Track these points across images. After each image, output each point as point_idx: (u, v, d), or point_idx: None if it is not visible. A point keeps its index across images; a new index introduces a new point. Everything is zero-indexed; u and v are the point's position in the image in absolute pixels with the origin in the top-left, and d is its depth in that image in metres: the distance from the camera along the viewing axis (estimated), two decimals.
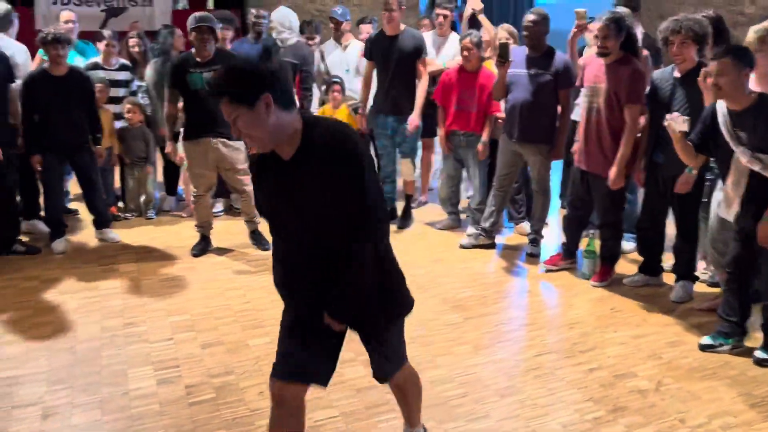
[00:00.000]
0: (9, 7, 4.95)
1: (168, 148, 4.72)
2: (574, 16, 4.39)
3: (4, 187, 4.46)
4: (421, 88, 4.97)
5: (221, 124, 4.37)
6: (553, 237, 4.98)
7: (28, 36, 5.45)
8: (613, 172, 3.82)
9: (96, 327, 3.51)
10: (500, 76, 4.37)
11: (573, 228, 4.32)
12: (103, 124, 4.96)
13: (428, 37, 5.57)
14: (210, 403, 2.81)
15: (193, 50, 4.39)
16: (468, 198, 5.26)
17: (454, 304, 3.82)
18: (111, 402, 2.81)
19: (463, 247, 4.77)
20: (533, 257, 4.54)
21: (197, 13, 4.45)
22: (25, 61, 4.84)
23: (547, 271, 4.32)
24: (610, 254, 4.12)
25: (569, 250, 4.36)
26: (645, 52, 4.20)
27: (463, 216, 5.31)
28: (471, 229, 4.98)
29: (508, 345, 3.36)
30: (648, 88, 3.79)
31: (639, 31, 4.43)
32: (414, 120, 4.98)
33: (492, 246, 4.76)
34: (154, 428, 2.62)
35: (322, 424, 2.66)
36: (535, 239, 4.64)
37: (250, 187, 4.66)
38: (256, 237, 4.75)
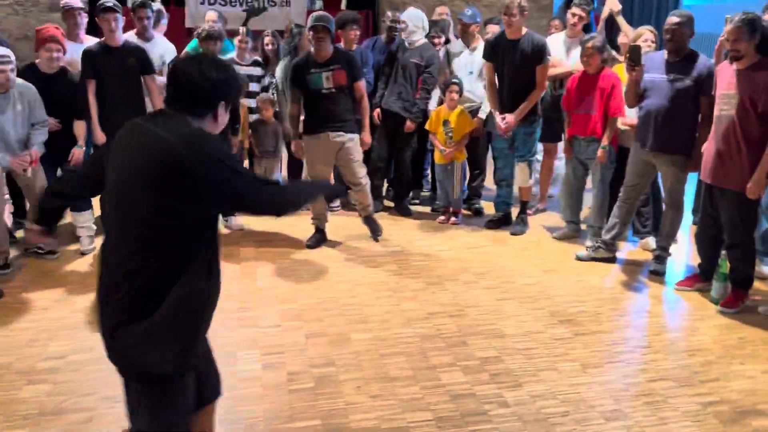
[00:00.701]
0: (161, 7, 5.39)
1: (294, 146, 4.90)
2: (723, 21, 4.04)
3: None
4: (534, 93, 4.81)
5: (339, 120, 4.54)
6: (680, 255, 4.64)
7: (178, 34, 5.89)
8: (754, 180, 3.49)
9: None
10: (631, 82, 4.11)
11: (706, 247, 4.00)
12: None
13: (558, 38, 5.38)
14: (309, 392, 2.88)
15: (312, 50, 4.53)
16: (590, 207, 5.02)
17: (564, 318, 3.66)
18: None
19: (579, 259, 4.56)
20: (657, 275, 4.24)
21: (315, 13, 4.58)
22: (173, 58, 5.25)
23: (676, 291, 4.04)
24: (741, 278, 3.76)
25: (705, 272, 4.03)
26: None
27: (583, 226, 5.08)
28: (590, 241, 4.76)
29: (619, 366, 3.16)
30: None
31: None
32: (511, 123, 4.83)
33: (612, 260, 4.52)
34: (255, 411, 2.74)
35: (414, 427, 2.65)
36: (661, 256, 4.33)
37: (365, 180, 4.76)
38: (369, 222, 4.87)
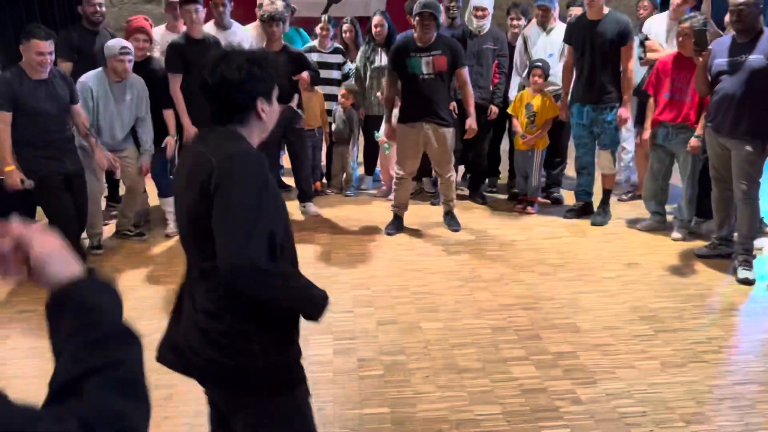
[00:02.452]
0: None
1: (386, 130, 4.86)
2: None
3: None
4: (626, 78, 4.60)
5: (435, 110, 4.51)
6: None
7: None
8: None
9: None
10: (699, 68, 3.89)
11: None
12: (315, 105, 5.34)
13: (661, 19, 5.09)
14: (378, 379, 2.91)
15: (414, 34, 4.50)
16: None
17: (645, 315, 3.50)
18: None
19: (700, 256, 4.25)
20: (747, 284, 3.86)
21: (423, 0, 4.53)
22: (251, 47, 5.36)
23: None
24: None
25: None
26: None
27: (669, 217, 4.84)
28: (676, 233, 4.53)
29: (703, 367, 3.00)
30: None
31: None
32: (623, 113, 4.64)
33: (728, 256, 4.17)
34: (324, 395, 2.79)
35: (483, 419, 2.62)
36: (747, 260, 3.96)
37: (453, 174, 4.74)
38: (449, 218, 4.87)
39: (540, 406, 2.70)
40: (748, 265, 3.96)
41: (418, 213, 5.14)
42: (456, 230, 4.79)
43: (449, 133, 4.59)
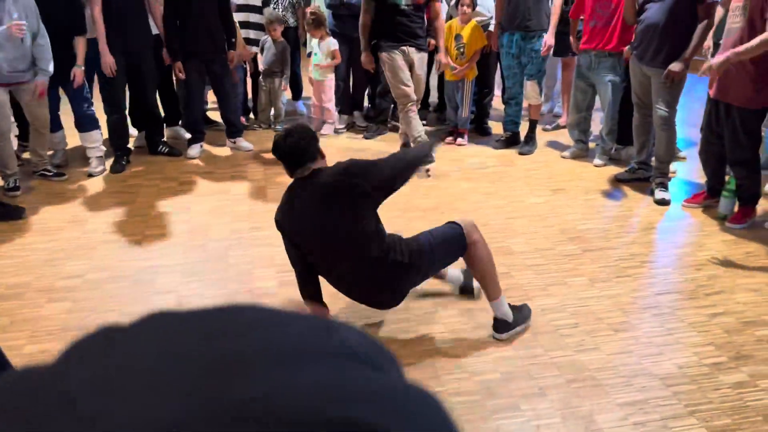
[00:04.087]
0: None
1: (363, 58, 4.75)
2: None
3: (147, 95, 4.78)
4: (556, 4, 4.68)
5: (416, 36, 4.56)
6: (687, 172, 4.64)
7: None
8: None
9: (226, 228, 3.76)
10: None
11: (712, 163, 3.98)
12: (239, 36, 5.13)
13: None
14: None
15: None
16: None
17: (572, 236, 3.70)
18: (236, 297, 3.03)
19: (619, 180, 4.47)
20: (664, 204, 4.13)
21: None
22: None
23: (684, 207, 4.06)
24: (747, 194, 3.77)
25: (712, 189, 4.03)
26: None
27: (591, 145, 5.05)
28: (598, 160, 4.75)
29: (627, 281, 3.22)
30: None
31: None
32: (547, 40, 4.72)
33: (646, 179, 4.43)
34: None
35: (427, 338, 2.72)
36: (663, 183, 4.22)
37: (415, 108, 4.66)
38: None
39: (480, 324, 2.83)
40: (664, 187, 4.22)
41: (363, 145, 5.12)
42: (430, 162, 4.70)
43: (425, 59, 4.65)
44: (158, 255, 3.44)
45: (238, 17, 5.24)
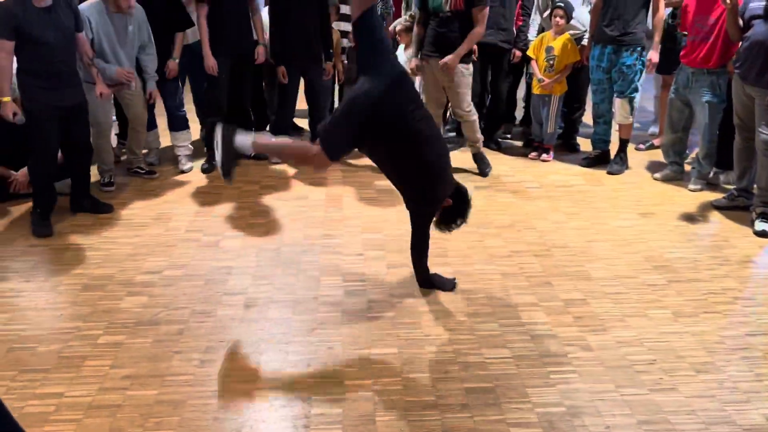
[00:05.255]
0: None
1: (411, 63, 4.75)
2: None
3: (243, 99, 4.92)
4: (658, 17, 4.45)
5: (452, 47, 4.41)
6: None
7: None
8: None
9: (299, 234, 3.80)
10: (730, 11, 3.73)
11: None
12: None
13: None
14: (388, 320, 2.91)
15: None
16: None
17: (658, 264, 3.47)
18: (303, 304, 3.05)
19: (717, 207, 4.19)
20: (763, 236, 3.80)
21: None
22: None
23: None
24: None
25: None
26: None
27: (687, 168, 4.74)
28: (694, 184, 4.45)
29: (715, 318, 2.98)
30: None
31: None
32: (652, 57, 4.50)
33: (746, 208, 4.11)
34: (333, 334, 2.80)
35: (490, 362, 2.62)
36: (765, 213, 3.88)
37: (474, 113, 4.65)
38: (478, 159, 4.82)
39: (549, 352, 2.69)
40: (765, 217, 3.88)
41: None
42: (488, 171, 4.76)
43: (467, 70, 4.50)
44: (233, 256, 3.52)
45: (339, 26, 5.32)
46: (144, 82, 4.42)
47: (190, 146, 4.88)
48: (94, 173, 4.35)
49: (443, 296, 3.11)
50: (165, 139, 5.08)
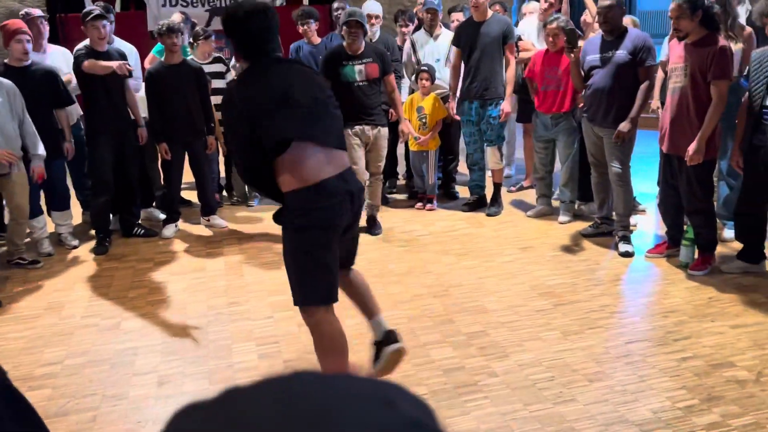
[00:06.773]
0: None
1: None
2: None
3: (129, 176, 4.88)
4: (509, 74, 4.98)
5: (372, 112, 4.65)
6: (648, 224, 4.84)
7: (142, 35, 5.86)
8: (692, 147, 3.68)
9: (203, 305, 3.80)
10: (572, 64, 4.35)
11: (670, 214, 4.19)
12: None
13: (531, 22, 5.52)
14: None
15: (344, 43, 4.60)
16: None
17: (542, 291, 3.82)
18: (217, 373, 3.05)
19: (585, 235, 4.64)
20: (628, 257, 4.28)
21: (348, 9, 4.66)
22: (136, 61, 5.23)
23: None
24: (705, 242, 3.96)
25: (672, 238, 4.21)
26: (749, 30, 4.00)
27: (555, 203, 5.26)
28: (564, 216, 4.94)
29: (598, 332, 3.33)
30: (746, 68, 3.63)
31: (744, 9, 4.22)
32: (505, 107, 4.99)
33: (609, 233, 4.59)
34: None
35: None
36: (625, 236, 4.39)
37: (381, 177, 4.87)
38: (372, 222, 4.96)
39: (461, 383, 2.89)
40: (627, 240, 4.40)
41: None
42: (378, 234, 4.90)
43: (384, 131, 4.76)
44: (136, 336, 3.45)
45: (214, 100, 5.42)
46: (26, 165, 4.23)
47: (71, 223, 4.78)
48: None
49: (357, 346, 3.23)
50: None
